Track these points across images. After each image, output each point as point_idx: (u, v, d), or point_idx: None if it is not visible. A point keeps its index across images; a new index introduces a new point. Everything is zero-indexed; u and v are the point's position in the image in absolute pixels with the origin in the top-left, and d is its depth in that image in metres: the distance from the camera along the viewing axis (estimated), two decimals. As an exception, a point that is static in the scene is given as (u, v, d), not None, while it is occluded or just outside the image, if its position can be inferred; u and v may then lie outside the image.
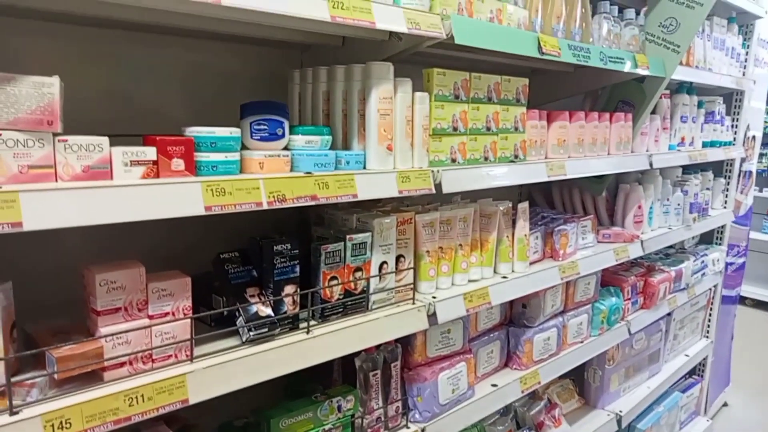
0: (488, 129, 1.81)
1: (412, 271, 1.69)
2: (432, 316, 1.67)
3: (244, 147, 1.34)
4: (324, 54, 1.81)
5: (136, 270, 1.17)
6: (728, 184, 3.61)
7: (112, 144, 1.10)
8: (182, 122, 1.61)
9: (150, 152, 1.14)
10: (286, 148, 1.39)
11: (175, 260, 1.40)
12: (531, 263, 2.14)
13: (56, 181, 1.03)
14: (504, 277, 1.98)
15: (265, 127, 1.34)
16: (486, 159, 1.82)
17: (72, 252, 1.40)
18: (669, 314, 3.13)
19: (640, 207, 2.69)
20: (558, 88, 2.57)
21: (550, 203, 2.83)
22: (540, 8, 1.94)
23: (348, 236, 1.53)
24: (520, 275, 2.01)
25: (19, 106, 0.98)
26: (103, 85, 1.48)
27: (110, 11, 1.24)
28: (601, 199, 2.72)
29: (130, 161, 1.11)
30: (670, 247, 3.36)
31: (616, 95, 2.61)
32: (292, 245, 1.42)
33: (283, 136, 1.37)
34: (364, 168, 1.51)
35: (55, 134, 1.02)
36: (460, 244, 1.87)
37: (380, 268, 1.60)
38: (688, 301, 3.22)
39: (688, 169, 3.24)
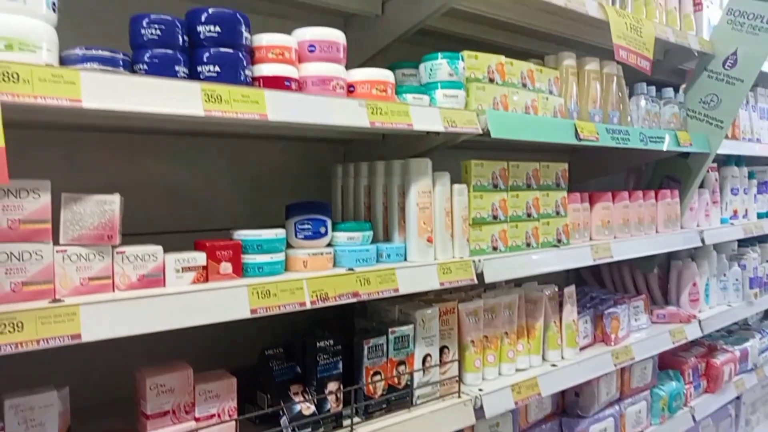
0: (529, 215, 1.82)
1: (456, 363, 1.66)
2: (479, 410, 1.62)
3: (289, 245, 1.38)
4: (365, 147, 1.88)
5: (184, 372, 1.20)
6: (791, 254, 3.43)
7: (163, 241, 1.16)
8: (232, 214, 1.69)
9: (200, 258, 1.20)
10: (329, 245, 1.44)
11: (219, 355, 1.43)
12: (581, 349, 2.06)
13: (113, 290, 1.09)
14: (553, 365, 1.91)
15: (309, 226, 1.39)
16: (528, 245, 1.81)
17: (122, 353, 1.45)
18: (738, 398, 2.91)
19: (695, 284, 2.58)
20: (600, 164, 2.57)
21: (599, 281, 2.75)
22: (575, 94, 1.98)
23: (390, 329, 1.53)
24: (571, 363, 1.94)
25: (83, 223, 1.06)
26: (157, 183, 1.58)
27: (164, 124, 1.35)
28: (653, 276, 2.63)
29: (182, 267, 1.17)
30: (733, 323, 3.18)
31: (660, 171, 2.58)
32: (334, 341, 1.43)
33: (326, 234, 1.41)
34: (405, 260, 1.53)
35: (113, 246, 1.09)
36: (506, 332, 1.83)
37: (424, 361, 1.58)
38: (758, 383, 3.00)
39: (744, 242, 3.11)
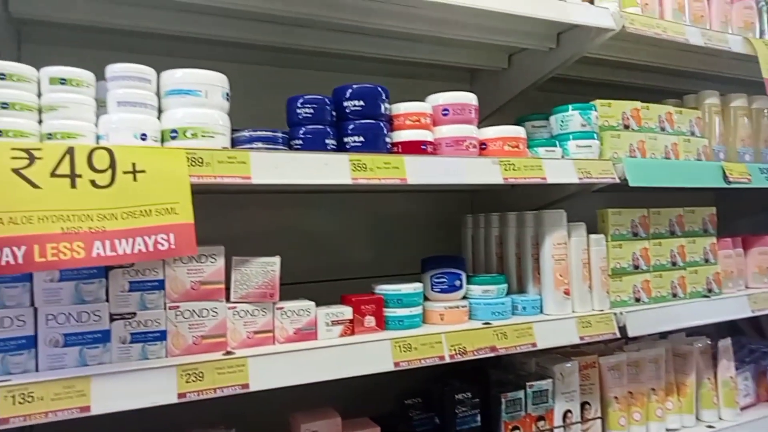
0: (674, 264, 1.71)
1: (599, 420, 1.59)
2: (626, 473, 1.53)
3: (425, 298, 1.44)
4: (493, 196, 1.91)
5: (334, 420, 1.28)
6: None
7: (303, 291, 1.27)
8: (366, 262, 1.78)
9: (347, 312, 1.29)
10: (464, 297, 1.47)
11: (356, 399, 1.49)
12: (742, 409, 1.87)
13: (274, 343, 1.21)
14: (710, 427, 1.75)
15: (445, 279, 1.44)
16: (674, 296, 1.70)
17: (272, 396, 1.58)
18: None
19: None
20: (753, 204, 2.35)
21: (758, 331, 2.48)
22: (721, 134, 1.86)
23: (528, 383, 1.51)
24: (731, 425, 1.76)
25: (249, 282, 1.19)
26: (298, 234, 1.71)
27: (309, 187, 1.48)
28: (826, 327, 2.32)
29: (332, 321, 1.27)
30: None
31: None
32: (473, 393, 1.44)
33: (461, 287, 1.45)
34: (541, 312, 1.52)
35: (274, 303, 1.22)
36: (653, 389, 1.72)
37: (564, 417, 1.53)
38: None
39: None
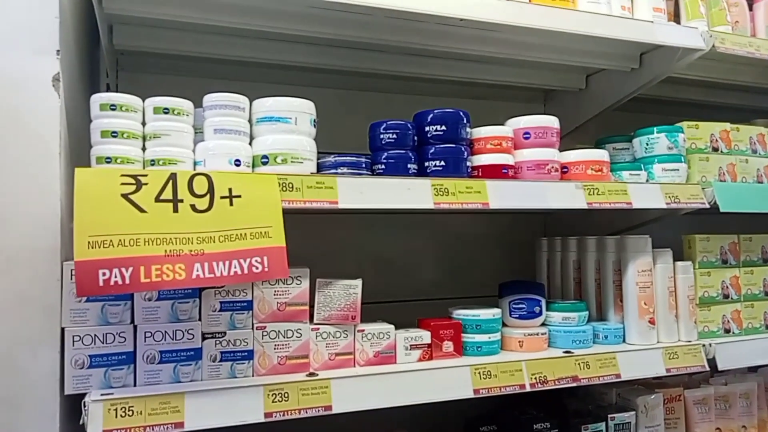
0: (767, 293, 1.61)
1: (686, 458, 1.50)
2: None
3: (503, 324, 1.41)
4: (567, 218, 1.86)
5: (410, 446, 1.27)
6: None
7: (376, 311, 1.27)
8: (437, 282, 1.77)
9: (425, 336, 1.28)
10: (543, 324, 1.43)
11: (426, 420, 1.47)
12: None
13: (354, 365, 1.22)
14: (808, 471, 1.62)
15: (524, 306, 1.41)
16: (768, 328, 1.60)
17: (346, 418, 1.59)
18: None
19: None
20: None
21: None
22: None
23: (609, 415, 1.45)
24: (832, 470, 1.63)
25: (332, 305, 1.21)
26: (371, 254, 1.73)
27: (392, 211, 1.49)
28: None
29: (410, 345, 1.26)
30: None
31: None
32: (551, 424, 1.40)
33: (540, 314, 1.42)
34: (624, 341, 1.46)
35: (355, 326, 1.23)
36: (744, 426, 1.61)
37: (648, 453, 1.46)
38: None
39: None
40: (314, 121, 1.20)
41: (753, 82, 1.86)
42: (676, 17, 1.64)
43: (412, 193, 1.19)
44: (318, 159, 1.22)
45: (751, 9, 1.76)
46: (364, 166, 1.24)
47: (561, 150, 1.42)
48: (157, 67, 1.48)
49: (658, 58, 1.59)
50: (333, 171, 1.20)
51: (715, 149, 1.58)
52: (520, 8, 1.32)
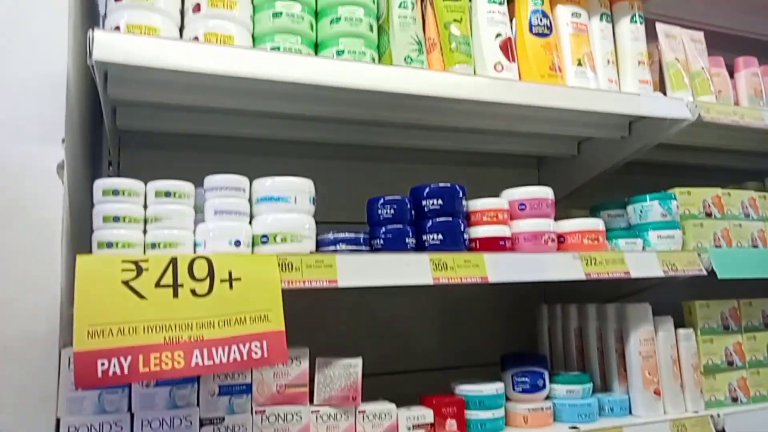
0: (772, 359, 1.60)
1: None
2: None
3: (506, 397, 1.38)
4: (568, 283, 1.85)
5: None
6: None
7: (376, 382, 1.24)
8: (435, 349, 1.74)
9: (428, 415, 1.25)
10: (547, 398, 1.40)
11: None
12: None
13: (355, 448, 1.18)
14: None
15: (527, 379, 1.39)
16: (775, 394, 1.57)
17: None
18: None
19: None
20: None
21: None
22: (810, 217, 1.77)
23: (619, 492, 1.40)
24: None
25: (332, 385, 1.19)
26: (371, 323, 1.71)
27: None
28: None
29: (413, 425, 1.23)
30: None
31: None
32: (560, 503, 1.35)
33: (544, 387, 1.39)
34: (630, 413, 1.43)
35: (356, 407, 1.20)
36: (758, 499, 1.56)
37: None
38: None
39: None
40: (313, 198, 1.22)
41: (741, 147, 1.91)
42: (662, 86, 1.70)
43: (410, 268, 1.20)
44: (317, 235, 1.23)
45: (732, 77, 1.83)
46: (362, 241, 1.24)
47: (557, 216, 1.44)
48: (160, 145, 1.51)
49: (647, 127, 1.64)
50: (332, 248, 1.21)
51: (709, 215, 1.60)
52: (510, 86, 1.37)
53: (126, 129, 1.40)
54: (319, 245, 1.23)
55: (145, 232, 1.09)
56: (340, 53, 1.28)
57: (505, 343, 1.74)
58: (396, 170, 1.76)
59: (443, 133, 1.66)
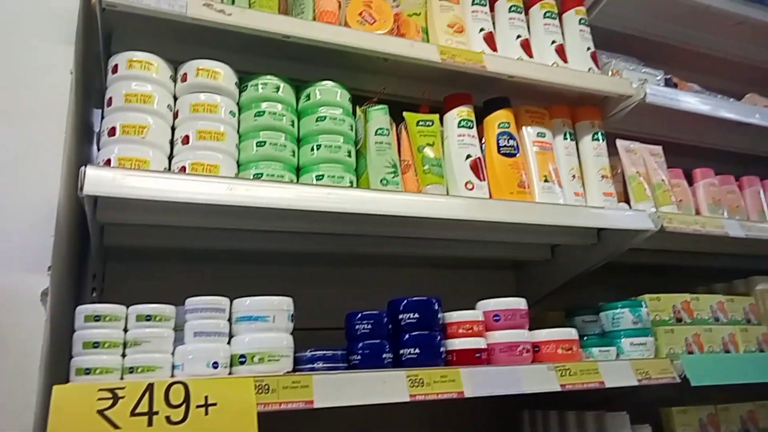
0: (754, 467, 1.59)
1: None
2: None
3: None
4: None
5: None
6: None
7: None
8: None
9: None
10: None
11: None
12: None
13: None
14: None
15: (508, 496, 1.36)
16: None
17: None
18: None
19: None
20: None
21: None
22: (779, 319, 1.82)
23: None
24: None
25: None
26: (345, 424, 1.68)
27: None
28: None
29: None
30: None
31: None
32: None
33: (525, 504, 1.37)
34: None
35: None
36: None
37: None
38: None
39: None
40: (292, 316, 1.25)
41: (707, 250, 1.99)
42: (626, 196, 1.80)
43: (387, 386, 1.21)
44: (296, 351, 1.25)
45: (691, 185, 1.94)
46: (340, 358, 1.27)
47: (534, 317, 1.48)
48: (145, 258, 1.56)
49: (614, 236, 1.72)
50: (309, 366, 1.23)
51: (679, 320, 1.65)
52: (481, 204, 1.46)
53: (112, 246, 1.45)
54: (297, 362, 1.24)
55: (124, 356, 1.11)
56: (319, 178, 1.36)
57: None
58: (375, 275, 1.80)
59: (421, 241, 1.72)
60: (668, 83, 2.01)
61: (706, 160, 2.06)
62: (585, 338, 1.55)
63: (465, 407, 1.85)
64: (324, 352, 1.25)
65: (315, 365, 1.23)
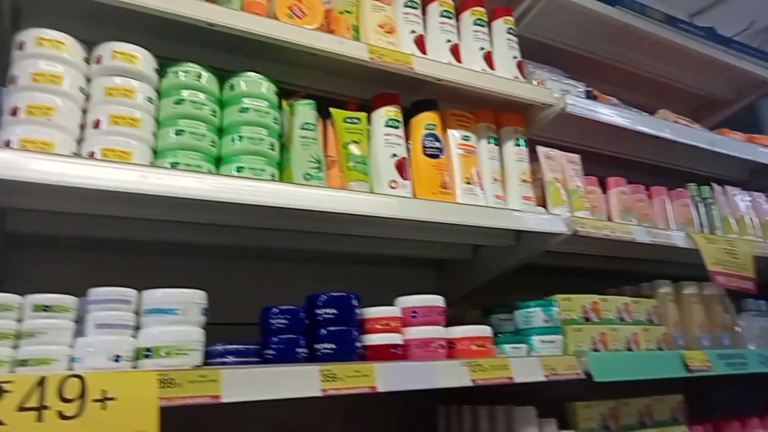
0: (649, 459, 1.70)
1: None
2: None
3: None
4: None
5: None
6: None
7: None
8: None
9: None
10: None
11: None
12: None
13: None
14: None
15: (417, 489, 1.39)
16: (654, 494, 1.66)
17: None
18: None
19: None
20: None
21: None
22: (677, 321, 1.95)
23: None
24: None
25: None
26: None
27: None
28: None
29: None
30: None
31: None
32: None
33: (434, 497, 1.40)
34: None
35: None
36: None
37: None
38: None
39: None
40: (204, 309, 1.23)
41: (619, 254, 2.10)
42: (543, 201, 1.88)
43: (299, 380, 1.21)
44: (208, 345, 1.23)
45: (605, 192, 2.05)
46: (253, 353, 1.25)
47: (455, 315, 1.51)
48: (51, 247, 1.48)
49: (532, 238, 1.79)
50: (220, 360, 1.21)
51: (587, 319, 1.73)
52: (404, 203, 1.48)
53: (14, 232, 1.37)
54: (209, 357, 1.22)
55: (16, 347, 1.05)
56: (240, 169, 1.34)
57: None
58: (296, 271, 1.79)
59: (342, 238, 1.73)
60: (588, 95, 2.11)
61: (619, 169, 2.17)
62: (499, 336, 1.61)
63: (383, 402, 1.86)
64: (236, 346, 1.23)
65: (226, 359, 1.21)
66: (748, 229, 2.29)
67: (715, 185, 2.31)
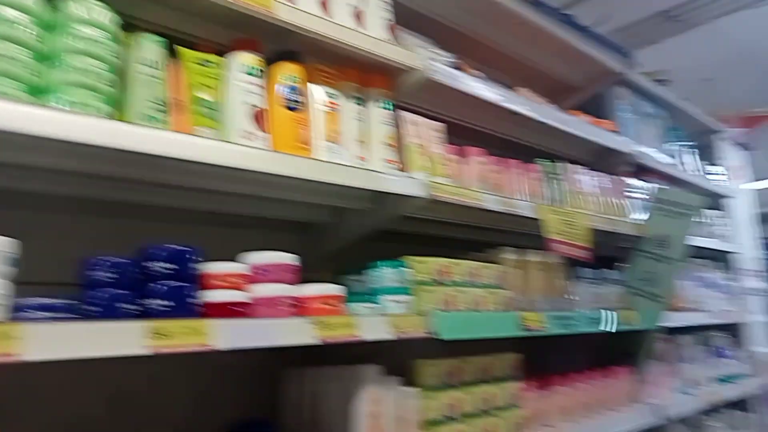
0: (485, 411, 1.81)
1: None
2: None
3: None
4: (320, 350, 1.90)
5: None
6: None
7: None
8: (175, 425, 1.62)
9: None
10: (277, 466, 1.40)
11: None
12: None
13: None
14: None
15: (254, 448, 1.36)
16: (487, 444, 1.78)
17: None
18: None
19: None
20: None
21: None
22: (521, 285, 2.09)
23: None
24: None
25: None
26: (101, 388, 1.54)
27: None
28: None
29: None
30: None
31: (615, 347, 2.63)
32: None
33: (272, 455, 1.38)
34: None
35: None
36: None
37: None
38: None
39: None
40: (14, 260, 1.08)
41: (472, 222, 2.19)
42: (405, 165, 1.90)
43: (122, 337, 1.10)
44: (17, 301, 1.08)
45: (465, 162, 2.12)
46: (69, 308, 1.13)
47: (312, 281, 1.48)
48: None
49: (389, 201, 1.80)
50: (27, 315, 1.07)
51: (439, 282, 1.79)
52: (261, 155, 1.41)
53: None
54: (17, 312, 1.08)
55: None
56: (66, 103, 1.18)
57: (254, 409, 1.71)
58: (137, 228, 1.62)
59: (189, 192, 1.61)
60: (455, 67, 2.15)
61: (477, 141, 2.26)
62: (351, 296, 1.61)
63: (232, 364, 1.80)
64: (50, 301, 1.10)
65: (35, 315, 1.08)
66: (590, 205, 2.51)
67: (563, 163, 2.49)
